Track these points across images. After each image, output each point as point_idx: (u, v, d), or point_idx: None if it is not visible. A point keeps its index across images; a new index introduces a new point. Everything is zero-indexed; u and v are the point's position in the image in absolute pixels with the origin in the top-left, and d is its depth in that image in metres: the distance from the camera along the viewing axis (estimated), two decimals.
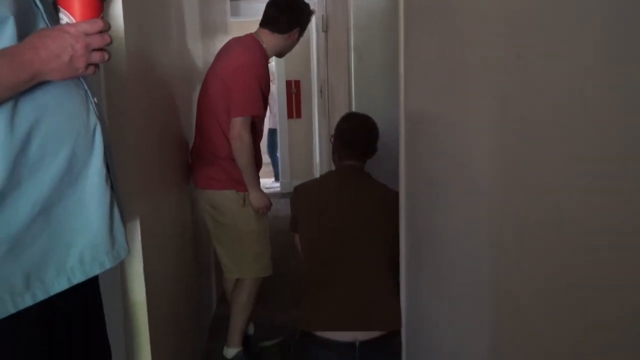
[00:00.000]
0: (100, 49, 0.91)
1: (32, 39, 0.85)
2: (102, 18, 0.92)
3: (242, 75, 2.09)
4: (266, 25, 2.21)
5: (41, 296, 0.90)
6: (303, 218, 1.92)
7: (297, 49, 2.45)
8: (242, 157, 2.08)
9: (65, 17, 0.91)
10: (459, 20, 1.09)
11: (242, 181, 2.13)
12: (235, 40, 2.28)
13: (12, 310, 0.86)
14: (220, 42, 2.43)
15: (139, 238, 1.42)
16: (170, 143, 2.03)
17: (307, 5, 2.31)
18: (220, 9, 3.63)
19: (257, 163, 2.20)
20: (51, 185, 0.90)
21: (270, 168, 6.16)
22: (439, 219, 1.30)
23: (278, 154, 5.85)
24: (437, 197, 1.31)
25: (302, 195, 1.96)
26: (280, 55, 2.34)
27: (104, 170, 0.97)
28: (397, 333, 1.74)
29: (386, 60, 2.28)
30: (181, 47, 2.28)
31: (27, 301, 0.88)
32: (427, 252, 1.43)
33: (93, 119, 0.96)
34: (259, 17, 2.26)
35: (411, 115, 1.55)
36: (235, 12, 4.56)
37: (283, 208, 3.96)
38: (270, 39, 2.20)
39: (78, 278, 0.95)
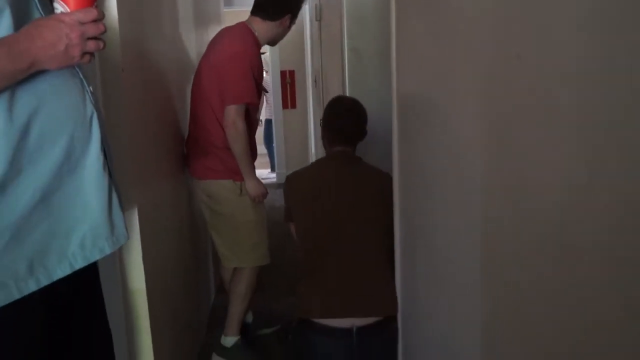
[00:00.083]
0: (95, 38, 0.92)
1: (28, 28, 0.86)
2: (96, 7, 0.93)
3: (235, 63, 2.08)
4: (257, 12, 2.21)
5: (44, 281, 0.92)
6: (297, 207, 1.91)
7: (291, 38, 2.44)
8: (237, 144, 2.09)
9: (59, 7, 0.92)
10: (450, 6, 1.10)
11: (238, 171, 2.13)
12: (227, 29, 2.28)
13: (16, 295, 0.88)
14: (214, 32, 2.42)
15: (137, 227, 1.43)
16: (165, 133, 2.03)
17: None
18: None
19: (252, 153, 2.19)
20: (51, 173, 0.91)
21: (267, 159, 6.15)
22: (432, 205, 1.31)
23: (274, 145, 5.84)
24: (430, 183, 1.32)
25: (294, 184, 1.95)
26: (272, 43, 2.32)
27: (101, 158, 0.98)
28: (393, 318, 1.76)
29: (380, 48, 2.28)
30: (175, 37, 2.28)
31: (31, 287, 0.90)
32: (421, 237, 1.44)
33: (90, 107, 0.97)
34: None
35: (404, 103, 1.56)
36: (228, 2, 4.56)
37: (279, 199, 3.96)
38: (261, 27, 2.20)
39: (80, 263, 0.97)
